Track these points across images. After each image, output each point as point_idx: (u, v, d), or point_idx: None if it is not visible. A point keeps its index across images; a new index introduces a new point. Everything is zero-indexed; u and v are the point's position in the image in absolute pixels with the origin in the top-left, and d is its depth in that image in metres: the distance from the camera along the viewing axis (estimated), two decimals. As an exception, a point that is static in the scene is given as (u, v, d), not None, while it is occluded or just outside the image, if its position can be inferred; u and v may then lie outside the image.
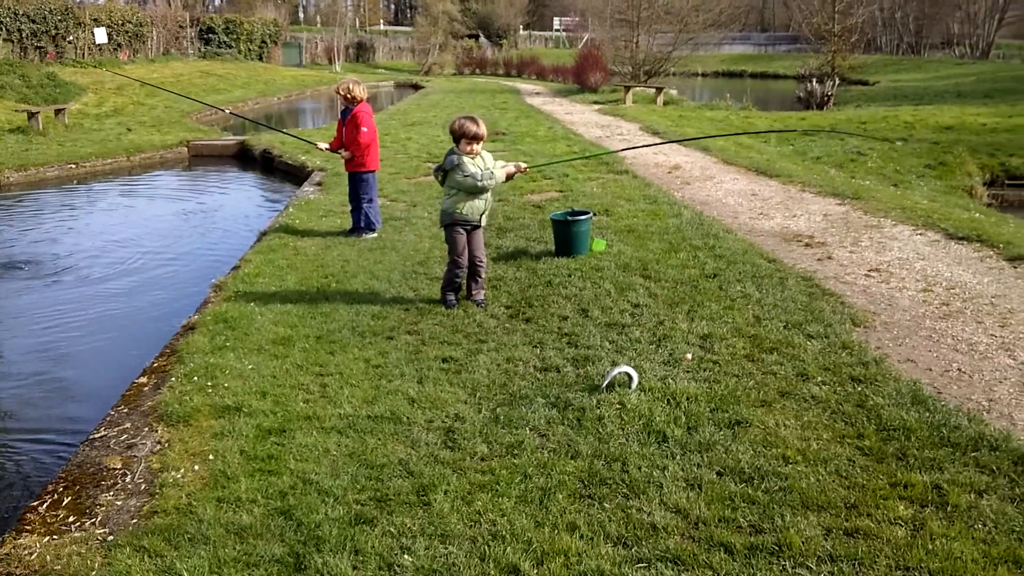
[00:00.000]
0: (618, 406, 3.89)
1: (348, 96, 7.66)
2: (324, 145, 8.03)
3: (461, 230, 5.50)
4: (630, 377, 4.09)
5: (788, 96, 29.90)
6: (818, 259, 6.54)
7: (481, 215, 5.54)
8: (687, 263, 6.29)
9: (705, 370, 4.30)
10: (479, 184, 5.32)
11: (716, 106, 23.26)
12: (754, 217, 8.17)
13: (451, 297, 5.57)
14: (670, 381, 4.15)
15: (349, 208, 8.02)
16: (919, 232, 7.39)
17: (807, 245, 6.99)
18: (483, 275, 5.70)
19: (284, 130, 8.13)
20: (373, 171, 7.87)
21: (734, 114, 21.31)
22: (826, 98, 24.22)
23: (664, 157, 12.40)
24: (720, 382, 4.13)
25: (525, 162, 5.97)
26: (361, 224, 7.79)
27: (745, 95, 25.73)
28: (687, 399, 3.94)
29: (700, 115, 20.88)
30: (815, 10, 30.95)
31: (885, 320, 5.08)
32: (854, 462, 3.36)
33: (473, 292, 5.65)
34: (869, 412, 3.78)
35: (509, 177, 5.57)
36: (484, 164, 5.39)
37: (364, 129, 7.60)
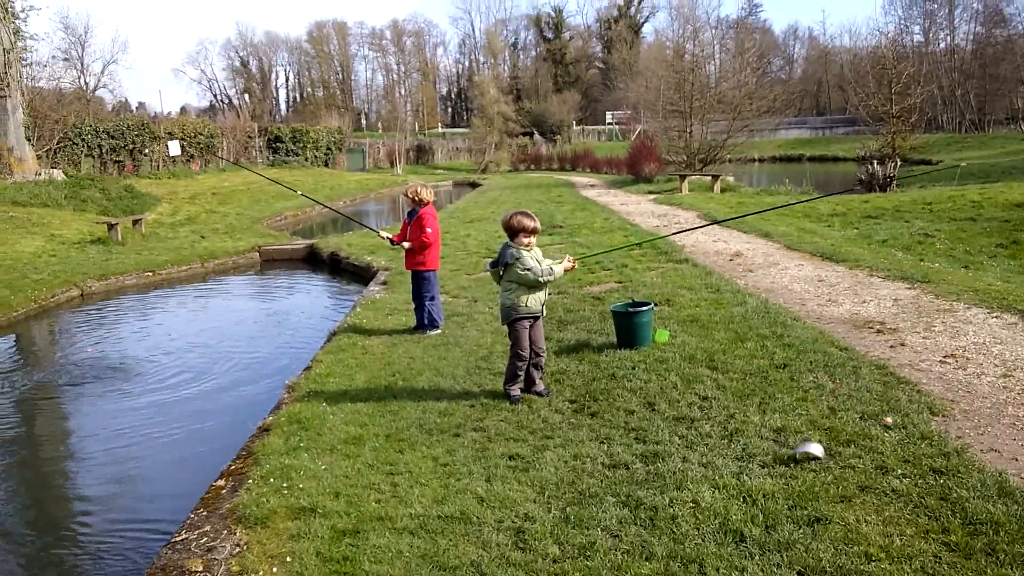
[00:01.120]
0: (692, 504, 3.82)
1: (416, 199, 8.01)
2: (387, 234, 8.35)
3: (526, 323, 5.60)
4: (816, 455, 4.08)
5: (849, 179, 29.76)
6: (891, 346, 6.39)
7: (543, 305, 5.66)
8: (755, 353, 6.22)
9: (781, 465, 4.20)
10: (541, 278, 5.45)
11: (775, 191, 23.26)
12: (822, 304, 8.06)
13: (515, 392, 5.61)
14: (745, 478, 4.06)
15: (413, 306, 8.21)
16: (995, 315, 7.18)
17: (878, 332, 6.85)
18: (543, 365, 5.75)
19: (364, 224, 8.64)
20: (434, 270, 8.09)
21: (794, 199, 21.25)
22: (888, 179, 24.02)
23: (724, 244, 12.39)
24: (797, 477, 4.03)
25: (581, 251, 6.09)
26: (424, 321, 7.95)
27: (805, 179, 25.72)
28: (763, 496, 3.85)
29: (759, 201, 20.88)
30: (871, 92, 31.01)
31: (964, 408, 4.91)
32: (940, 558, 3.22)
33: (536, 383, 5.70)
34: (954, 505, 3.63)
35: (566, 271, 5.69)
36: (539, 257, 5.53)
37: (428, 230, 7.87)
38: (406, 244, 8.02)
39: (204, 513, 4.22)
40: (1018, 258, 12.87)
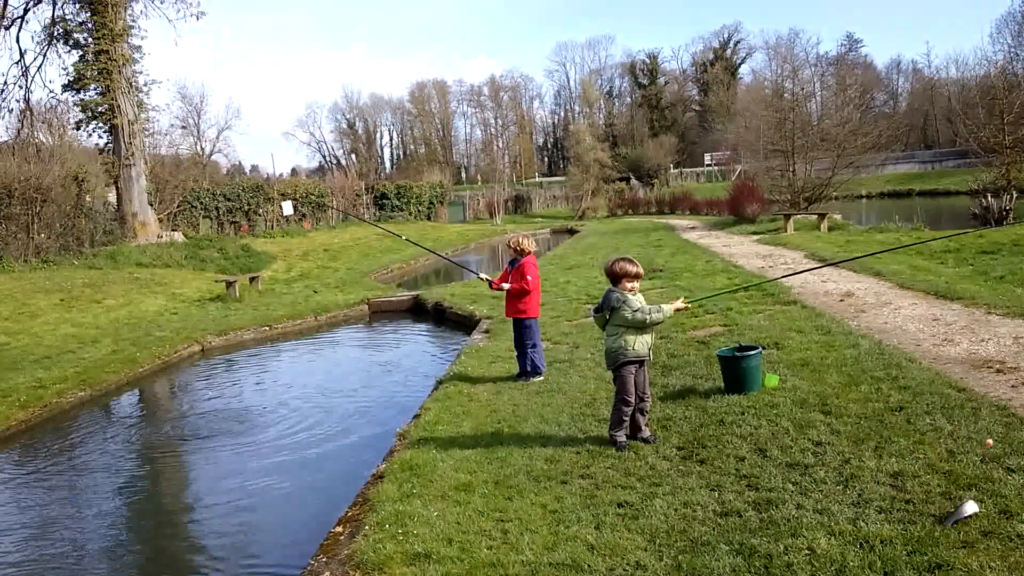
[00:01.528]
0: (807, 552, 3.75)
1: (518, 248, 8.23)
2: (486, 276, 8.58)
3: (632, 368, 5.63)
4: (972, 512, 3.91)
5: (961, 213, 28.44)
6: (1012, 386, 6.08)
7: (649, 349, 5.68)
8: (870, 396, 6.04)
9: (899, 510, 4.07)
10: (649, 318, 5.47)
11: (885, 228, 22.45)
12: (938, 344, 7.74)
13: (621, 438, 5.62)
14: (861, 524, 3.96)
15: (515, 353, 8.36)
16: None
17: (999, 371, 6.53)
18: (648, 410, 5.78)
19: (465, 267, 9.02)
20: (535, 318, 8.24)
21: (905, 235, 20.47)
22: (1005, 212, 22.84)
23: (834, 285, 12.07)
24: (916, 523, 3.89)
25: (684, 293, 6.11)
26: (527, 368, 8.08)
27: (916, 215, 24.76)
28: (881, 542, 3.74)
29: (869, 239, 20.20)
30: (981, 124, 29.70)
31: (1099, 452, 4.63)
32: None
33: (642, 429, 5.72)
34: (1090, 555, 3.44)
35: (678, 310, 5.71)
36: (643, 301, 5.58)
37: (529, 277, 8.07)
38: (505, 285, 8.21)
39: (324, 559, 4.41)
40: None
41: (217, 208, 32.11)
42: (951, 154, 65.38)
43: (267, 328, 14.66)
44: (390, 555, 4.23)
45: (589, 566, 3.91)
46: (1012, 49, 67.17)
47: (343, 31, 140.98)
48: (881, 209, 38.36)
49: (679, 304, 5.73)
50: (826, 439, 5.24)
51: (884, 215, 30.44)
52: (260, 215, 33.85)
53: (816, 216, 25.23)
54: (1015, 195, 24.61)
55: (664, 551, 3.99)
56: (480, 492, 5.03)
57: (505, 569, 3.97)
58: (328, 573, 4.24)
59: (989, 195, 24.32)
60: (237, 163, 69.53)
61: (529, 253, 8.24)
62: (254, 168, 78.69)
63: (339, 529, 4.84)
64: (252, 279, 19.54)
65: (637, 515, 4.45)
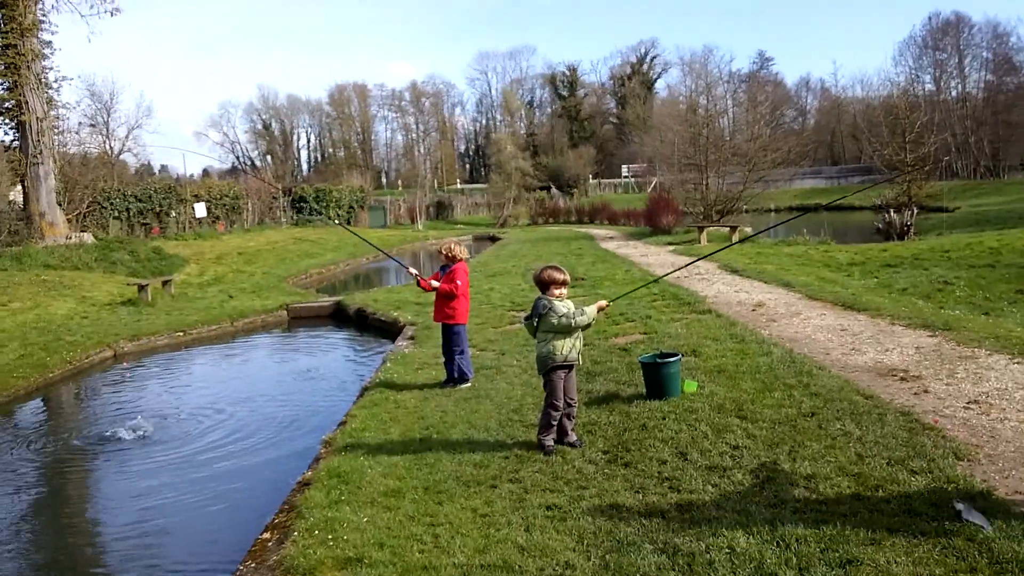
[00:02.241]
0: (728, 550, 3.93)
1: (449, 255, 8.31)
2: (415, 272, 8.54)
3: (561, 373, 5.78)
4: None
5: (866, 227, 29.83)
6: (915, 393, 6.49)
7: (578, 353, 5.84)
8: (783, 402, 6.34)
9: (812, 510, 4.31)
10: (574, 321, 5.64)
11: (793, 241, 23.41)
12: (846, 353, 8.17)
13: (549, 443, 5.75)
14: (778, 523, 4.17)
15: (443, 360, 8.41)
16: (1016, 361, 7.27)
17: (902, 379, 6.95)
18: (575, 416, 5.96)
19: (397, 260, 8.96)
20: (463, 324, 8.31)
21: (812, 248, 21.41)
22: (906, 228, 24.13)
23: (747, 295, 12.55)
24: (828, 522, 4.13)
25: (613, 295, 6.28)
26: (455, 375, 8.14)
27: (822, 229, 25.87)
28: (796, 540, 3.96)
29: (778, 251, 21.04)
30: (885, 141, 31.32)
31: (989, 452, 5.01)
32: (976, 601, 3.31)
33: (568, 433, 5.87)
34: (980, 546, 3.73)
35: (600, 309, 5.87)
36: (570, 306, 5.76)
37: (459, 283, 8.15)
38: (435, 283, 8.27)
39: (252, 565, 4.38)
40: (1040, 303, 12.89)
41: (128, 209, 31.03)
42: (856, 170, 68.62)
43: (181, 333, 14.26)
44: (320, 560, 4.23)
45: (520, 567, 4.00)
46: (913, 71, 71.18)
47: (261, 30, 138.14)
48: (790, 223, 39.87)
49: (601, 304, 5.92)
50: (743, 443, 5.49)
51: (792, 229, 31.68)
52: (172, 217, 32.84)
53: (728, 228, 26.11)
54: (916, 211, 26.01)
55: (592, 551, 4.11)
56: (410, 497, 5.07)
57: (437, 572, 4.02)
58: (258, 580, 4.21)
59: (892, 211, 25.64)
60: (146, 163, 67.04)
61: (460, 260, 8.30)
62: (163, 168, 76.06)
63: (267, 536, 4.80)
64: (165, 283, 18.95)
65: (565, 517, 4.57)
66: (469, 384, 8.04)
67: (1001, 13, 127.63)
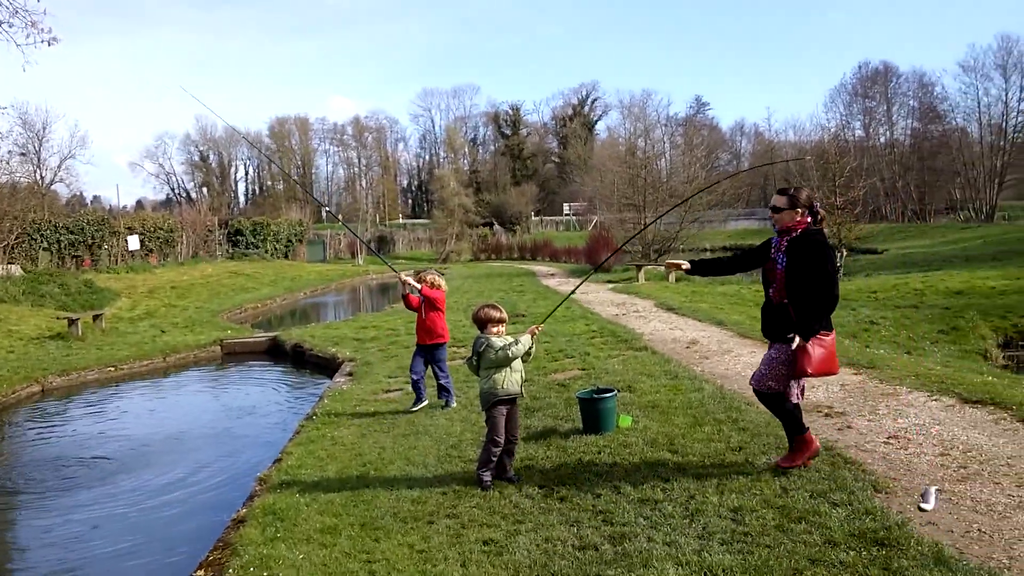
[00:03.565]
0: (657, 580, 4.05)
1: (433, 285, 8.61)
2: (408, 277, 8.71)
3: (503, 409, 5.87)
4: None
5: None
6: (838, 428, 6.76)
7: (520, 387, 5.95)
8: (712, 437, 6.54)
9: (738, 542, 4.47)
10: (510, 352, 5.77)
11: (727, 281, 24.01)
12: (772, 389, 8.44)
13: (487, 478, 5.79)
14: (705, 554, 4.31)
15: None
16: (934, 398, 7.63)
17: (827, 415, 7.23)
18: (515, 452, 6.03)
19: (391, 266, 8.91)
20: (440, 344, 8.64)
21: (745, 287, 22.02)
22: (836, 269, 24.96)
23: (681, 332, 12.86)
24: (753, 553, 4.29)
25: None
26: (440, 396, 8.58)
27: (756, 270, 26.61)
28: (723, 571, 4.10)
29: (712, 290, 21.59)
30: (816, 185, 32.46)
31: (905, 485, 5.26)
32: (889, 626, 3.48)
33: (507, 469, 5.94)
34: (894, 574, 3.92)
35: (532, 335, 5.96)
36: (508, 339, 5.91)
37: (423, 290, 8.49)
38: (418, 285, 8.54)
39: (187, 603, 4.32)
40: (958, 343, 13.57)
41: (59, 241, 30.17)
42: (787, 213, 70.52)
43: (112, 368, 13.91)
44: (256, 598, 4.21)
45: (456, 602, 4.05)
46: (843, 117, 74.17)
47: (199, 62, 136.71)
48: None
49: (532, 330, 6.02)
50: (673, 476, 5.64)
51: (727, 268, 32.44)
52: (104, 249, 32.04)
53: (664, 267, 26.65)
54: (845, 253, 26.98)
55: (527, 585, 4.18)
56: (346, 534, 5.06)
57: (373, 608, 4.04)
58: (190, 619, 4.16)
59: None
60: (78, 193, 65.41)
61: (440, 289, 8.66)
62: (96, 199, 74.33)
63: (200, 573, 4.74)
64: (96, 317, 18.47)
65: (502, 551, 4.63)
66: (454, 406, 8.36)
67: (926, 64, 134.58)
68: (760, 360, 5.57)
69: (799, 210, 5.43)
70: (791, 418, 5.54)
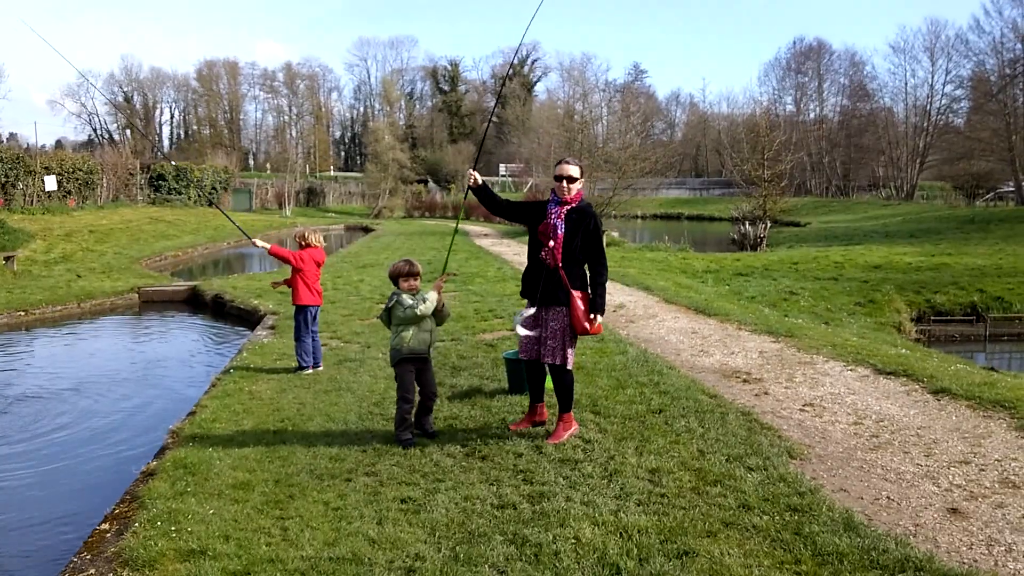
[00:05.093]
0: (573, 540, 4.06)
1: (302, 243, 8.36)
2: (263, 244, 8.39)
3: (411, 367, 5.82)
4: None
5: (723, 237, 31.40)
6: (755, 395, 6.91)
7: (428, 347, 5.89)
8: (634, 399, 6.60)
9: (654, 503, 4.52)
10: (417, 309, 5.71)
11: (656, 247, 24.37)
12: (695, 354, 8.59)
13: (407, 436, 5.74)
14: (622, 515, 4.34)
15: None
16: (849, 368, 7.86)
17: (745, 381, 7.38)
18: (433, 408, 6.02)
19: (245, 233, 8.40)
20: (303, 305, 8.27)
21: (672, 255, 22.36)
22: (759, 239, 25.57)
23: (609, 297, 12.91)
24: (668, 514, 4.34)
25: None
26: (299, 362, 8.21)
27: (683, 237, 27.03)
28: (638, 531, 4.13)
29: (641, 256, 21.85)
30: (745, 158, 33.05)
31: (819, 452, 5.40)
32: (795, 587, 3.56)
33: (424, 424, 5.93)
34: (805, 539, 4.02)
35: (438, 290, 5.88)
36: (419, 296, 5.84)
37: (293, 255, 8.20)
38: (265, 244, 8.30)
39: (88, 557, 4.14)
40: (874, 316, 14.04)
41: (-31, 178, 28.50)
42: (718, 183, 72.07)
43: (23, 313, 13.31)
44: (162, 552, 4.05)
45: (369, 559, 3.98)
46: (776, 92, 75.43)
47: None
48: (653, 229, 41.47)
49: (438, 284, 5.95)
50: (594, 437, 5.68)
51: (656, 235, 32.94)
52: (19, 189, 30.41)
53: (598, 232, 26.82)
54: (770, 224, 27.61)
55: (443, 543, 4.14)
56: (260, 491, 4.93)
57: (284, 564, 3.94)
58: (94, 570, 3.99)
59: (747, 223, 27.10)
60: (-7, 129, 61.93)
61: (314, 247, 8.35)
62: (12, 136, 70.46)
63: (105, 527, 4.55)
64: (7, 259, 17.60)
65: (419, 510, 4.58)
66: (310, 371, 8.10)
67: (859, 43, 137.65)
68: (550, 334, 5.61)
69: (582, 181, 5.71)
70: (569, 390, 5.75)
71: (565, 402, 5.75)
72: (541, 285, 5.60)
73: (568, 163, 5.67)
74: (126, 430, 7.62)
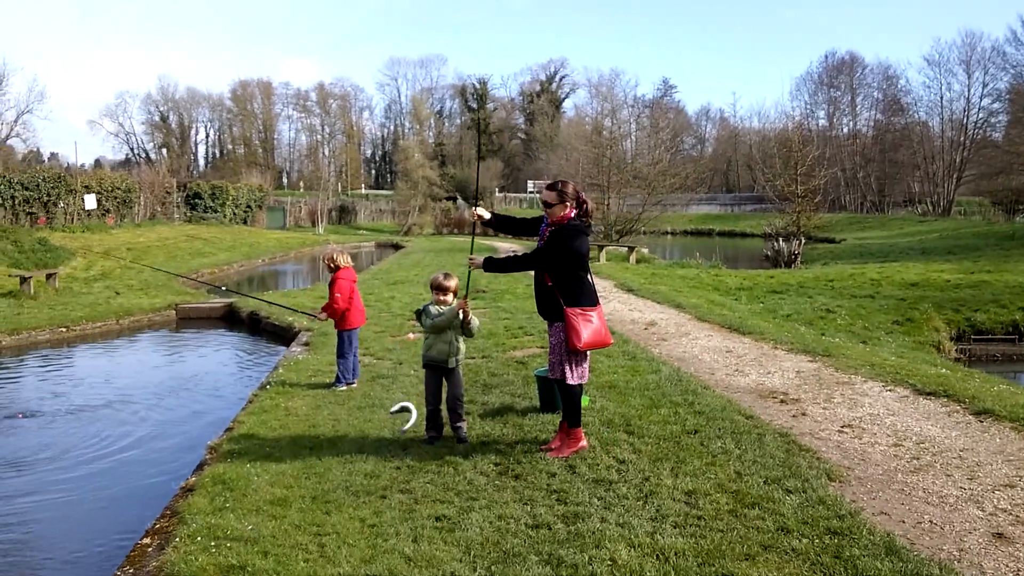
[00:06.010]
0: (610, 562, 4.04)
1: (332, 265, 8.49)
2: (324, 316, 8.59)
3: (433, 372, 6.21)
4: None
5: (756, 254, 31.10)
6: (793, 415, 6.83)
7: (448, 358, 6.12)
8: (668, 419, 6.55)
9: (691, 525, 4.48)
10: (434, 322, 6.01)
11: (687, 264, 24.23)
12: (730, 374, 8.52)
13: (431, 433, 6.16)
14: (658, 536, 4.31)
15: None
16: (889, 388, 7.74)
17: (782, 402, 7.30)
18: (461, 411, 6.28)
19: (302, 312, 8.39)
20: (345, 330, 8.41)
21: (704, 271, 22.19)
22: (793, 256, 25.31)
23: (640, 314, 12.90)
24: (706, 537, 4.30)
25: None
26: (338, 377, 8.32)
27: (714, 253, 26.85)
28: (675, 554, 4.10)
29: (672, 272, 21.72)
30: (778, 173, 32.78)
31: (859, 475, 5.32)
32: (837, 613, 3.51)
33: (455, 426, 6.22)
34: (846, 563, 3.96)
35: (464, 314, 6.03)
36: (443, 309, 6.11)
37: (338, 295, 8.32)
38: (322, 316, 8.53)
39: (131, 571, 4.21)
40: (912, 335, 13.81)
41: (13, 197, 29.20)
42: (749, 199, 71.52)
43: (64, 329, 13.56)
44: (202, 567, 4.10)
45: (406, 578, 3.99)
46: (808, 107, 74.91)
47: (162, 19, 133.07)
48: (684, 246, 41.25)
49: (461, 303, 6.08)
50: (629, 457, 5.65)
51: (686, 252, 32.77)
52: (60, 207, 31.12)
53: (626, 248, 26.79)
54: (804, 240, 27.34)
55: (478, 562, 4.14)
56: (297, 507, 4.97)
57: (322, 582, 3.97)
58: (133, 588, 4.05)
59: (780, 239, 26.85)
60: (35, 149, 63.41)
61: (343, 267, 8.46)
62: (53, 156, 72.19)
63: (146, 541, 4.62)
64: (49, 276, 17.99)
65: (454, 528, 4.58)
66: (344, 387, 8.19)
67: (892, 56, 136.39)
68: (550, 349, 5.86)
69: (567, 204, 5.71)
70: (574, 403, 5.77)
71: (568, 416, 5.82)
72: (539, 302, 5.89)
73: (544, 190, 5.82)
74: (165, 445, 7.72)
